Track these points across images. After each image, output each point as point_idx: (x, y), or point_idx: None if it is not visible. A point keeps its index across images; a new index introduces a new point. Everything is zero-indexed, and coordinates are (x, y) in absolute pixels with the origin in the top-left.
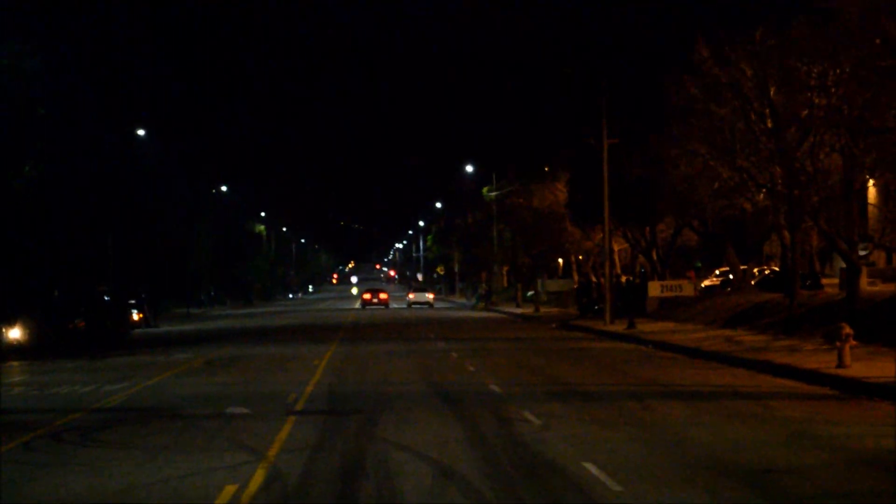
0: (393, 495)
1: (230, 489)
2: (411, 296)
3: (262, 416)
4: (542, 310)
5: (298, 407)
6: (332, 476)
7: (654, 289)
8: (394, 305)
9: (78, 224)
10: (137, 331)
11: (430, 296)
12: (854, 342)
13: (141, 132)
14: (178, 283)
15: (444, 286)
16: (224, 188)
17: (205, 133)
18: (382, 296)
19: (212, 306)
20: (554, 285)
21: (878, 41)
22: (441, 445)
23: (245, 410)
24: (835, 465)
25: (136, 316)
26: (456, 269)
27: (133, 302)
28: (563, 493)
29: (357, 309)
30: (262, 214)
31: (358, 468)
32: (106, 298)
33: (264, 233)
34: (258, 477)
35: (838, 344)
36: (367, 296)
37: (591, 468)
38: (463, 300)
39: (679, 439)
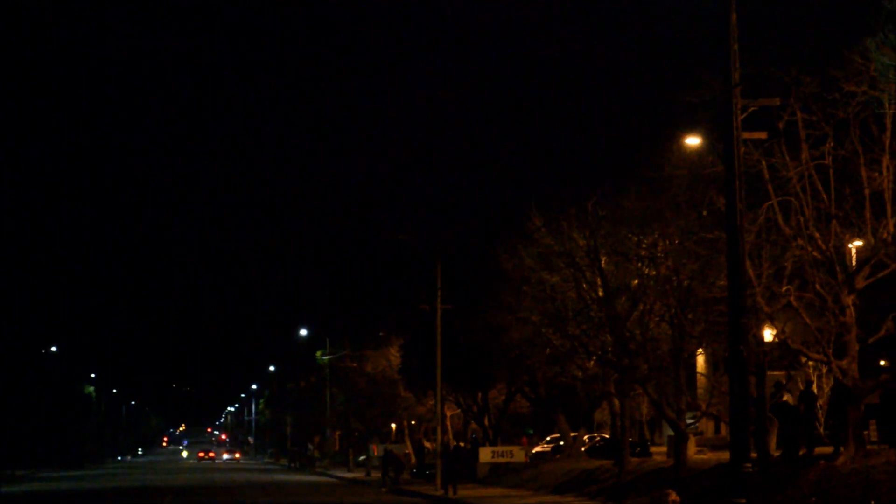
0: None
1: None
2: (225, 455)
3: None
4: (374, 474)
5: None
6: None
7: (486, 454)
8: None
9: None
10: None
11: (238, 455)
12: None
13: None
14: (5, 443)
15: (275, 450)
16: (53, 349)
17: (34, 290)
18: (211, 454)
19: (38, 468)
20: (388, 449)
21: (704, 212)
22: None
23: None
24: None
25: None
26: (288, 433)
27: None
28: None
29: (188, 471)
30: (93, 376)
31: None
32: None
33: (94, 394)
34: None
35: None
36: (201, 454)
37: None
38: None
39: None
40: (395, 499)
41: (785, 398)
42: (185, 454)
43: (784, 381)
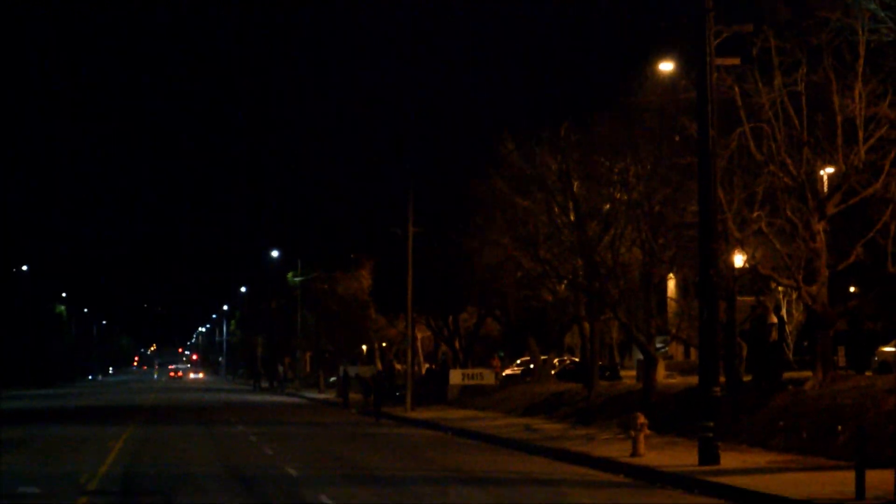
0: None
1: None
2: (191, 374)
3: (52, 496)
4: (353, 395)
5: (91, 487)
6: None
7: (456, 377)
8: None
9: None
10: None
11: (201, 374)
12: (649, 432)
13: None
14: None
15: (245, 371)
16: (25, 268)
17: (4, 208)
18: (180, 374)
19: (11, 388)
20: (356, 371)
21: (676, 138)
22: None
23: (35, 490)
24: None
25: None
26: (259, 354)
27: None
28: None
29: (158, 391)
30: (63, 295)
31: None
32: None
33: (65, 314)
34: None
35: (633, 433)
36: (171, 374)
37: None
38: (265, 385)
39: None
40: (361, 419)
41: (773, 320)
42: (156, 375)
43: (768, 305)
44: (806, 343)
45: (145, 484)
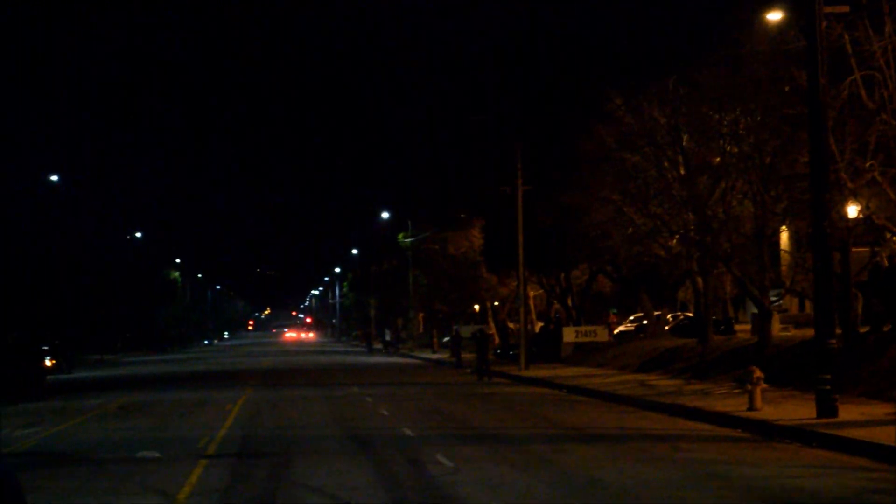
0: None
1: None
2: (302, 335)
3: (173, 460)
4: (466, 355)
5: (210, 451)
6: None
7: (569, 334)
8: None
9: None
10: (51, 377)
11: (313, 335)
12: (765, 385)
13: (54, 178)
14: (92, 329)
15: (358, 332)
16: (138, 234)
17: (120, 178)
18: (293, 336)
19: (127, 353)
20: (469, 331)
21: (786, 88)
22: (354, 488)
23: (156, 455)
24: None
25: (49, 362)
26: (372, 316)
27: (46, 348)
28: None
29: (273, 354)
30: (178, 261)
31: None
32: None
33: (179, 279)
34: None
35: (749, 387)
36: (285, 336)
37: None
38: (379, 346)
39: (589, 480)
40: (474, 378)
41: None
42: (270, 339)
43: (884, 255)
44: None
45: (263, 447)
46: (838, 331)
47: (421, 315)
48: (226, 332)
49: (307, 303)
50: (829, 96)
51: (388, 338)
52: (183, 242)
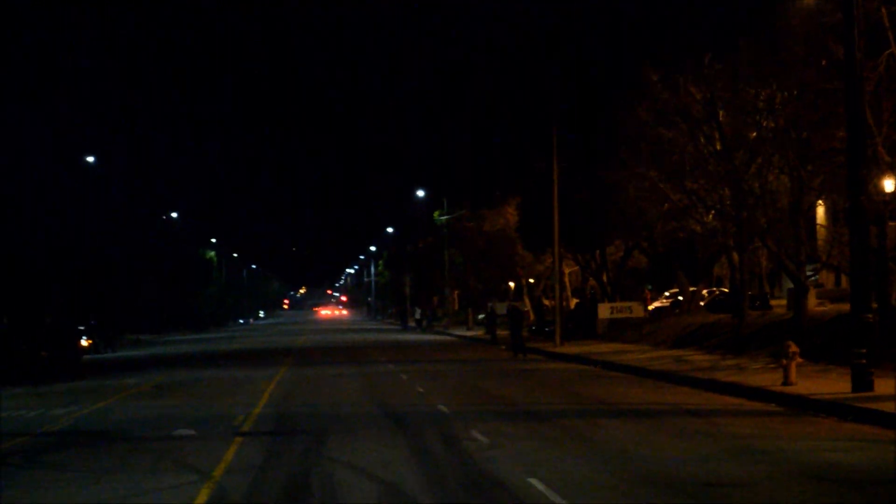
0: None
1: None
2: (335, 312)
3: (209, 438)
4: (500, 332)
5: (246, 428)
6: (278, 494)
7: (604, 310)
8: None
9: (24, 252)
10: (87, 357)
11: (346, 312)
12: (800, 360)
13: (90, 159)
14: (130, 310)
15: (393, 310)
16: (174, 214)
17: (155, 158)
18: (328, 314)
19: (163, 332)
20: (504, 308)
21: (823, 62)
22: (388, 464)
23: (192, 432)
24: (779, 478)
25: (85, 342)
26: (407, 294)
27: (83, 328)
28: None
29: (308, 332)
30: (213, 241)
31: (303, 486)
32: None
33: (215, 259)
34: (202, 496)
35: (784, 362)
36: (320, 314)
37: (537, 484)
38: (412, 324)
39: (624, 455)
40: (510, 355)
41: None
42: (305, 317)
43: None
44: None
45: (298, 424)
46: (874, 305)
47: (456, 293)
48: (261, 311)
49: (342, 281)
50: (865, 70)
51: (417, 316)
52: (219, 222)
